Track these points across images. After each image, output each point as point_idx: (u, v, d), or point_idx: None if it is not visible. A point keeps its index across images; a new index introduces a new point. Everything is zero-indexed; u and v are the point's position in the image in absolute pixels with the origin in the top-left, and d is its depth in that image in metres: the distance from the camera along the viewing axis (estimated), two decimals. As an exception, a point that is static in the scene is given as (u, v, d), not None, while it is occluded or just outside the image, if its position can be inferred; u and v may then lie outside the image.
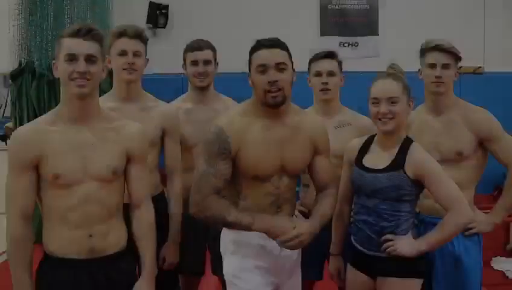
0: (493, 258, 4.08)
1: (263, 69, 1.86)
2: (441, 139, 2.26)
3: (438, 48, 2.23)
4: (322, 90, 2.42)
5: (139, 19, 5.19)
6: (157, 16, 5.75)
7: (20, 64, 4.45)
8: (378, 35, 5.75)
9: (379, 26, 5.74)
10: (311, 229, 1.88)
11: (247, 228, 1.86)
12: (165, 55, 4.62)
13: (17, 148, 1.76)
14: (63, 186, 1.75)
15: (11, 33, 4.38)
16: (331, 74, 2.41)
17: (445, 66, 2.23)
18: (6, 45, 4.44)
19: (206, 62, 2.56)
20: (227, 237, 2.01)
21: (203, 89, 2.59)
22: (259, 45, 1.90)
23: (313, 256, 2.39)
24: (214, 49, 2.62)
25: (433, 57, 2.24)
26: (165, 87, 3.38)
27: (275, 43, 1.89)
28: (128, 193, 1.94)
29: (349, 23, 5.79)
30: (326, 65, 2.42)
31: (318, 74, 2.43)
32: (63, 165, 1.74)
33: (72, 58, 1.72)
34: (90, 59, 1.73)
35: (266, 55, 1.87)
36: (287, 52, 1.91)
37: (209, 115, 2.54)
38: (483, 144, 2.25)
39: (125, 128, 1.89)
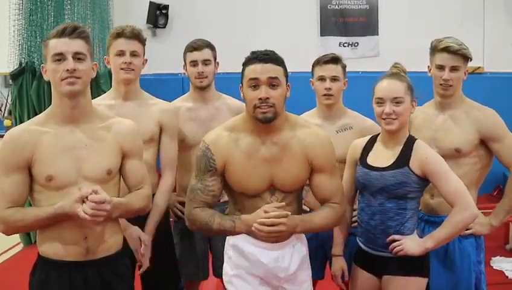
0: (493, 258, 4.07)
1: (255, 83, 1.81)
2: (440, 134, 2.24)
3: (447, 50, 2.18)
4: (325, 95, 2.40)
5: (139, 19, 5.21)
6: (157, 16, 5.76)
7: (20, 64, 4.45)
8: (378, 35, 5.77)
9: (379, 26, 5.76)
10: (289, 221, 1.82)
11: (232, 233, 1.89)
12: (165, 55, 4.63)
13: (8, 150, 1.73)
14: (57, 188, 1.72)
15: (11, 33, 4.37)
16: (334, 78, 2.38)
17: (453, 69, 2.18)
18: (6, 45, 4.44)
19: (205, 62, 2.56)
20: (228, 241, 1.99)
21: (203, 89, 2.60)
22: (253, 58, 1.85)
23: (315, 256, 2.40)
24: (213, 48, 2.61)
25: (441, 59, 2.19)
26: (165, 87, 3.40)
27: (270, 58, 1.83)
28: (127, 187, 1.89)
29: (349, 23, 5.80)
30: (330, 70, 2.38)
31: (321, 79, 2.39)
32: (56, 166, 1.71)
33: (60, 57, 1.70)
34: (78, 57, 1.71)
35: (259, 70, 1.81)
36: (281, 68, 1.85)
37: (210, 114, 2.56)
38: (486, 143, 2.21)
39: (117, 126, 1.86)
